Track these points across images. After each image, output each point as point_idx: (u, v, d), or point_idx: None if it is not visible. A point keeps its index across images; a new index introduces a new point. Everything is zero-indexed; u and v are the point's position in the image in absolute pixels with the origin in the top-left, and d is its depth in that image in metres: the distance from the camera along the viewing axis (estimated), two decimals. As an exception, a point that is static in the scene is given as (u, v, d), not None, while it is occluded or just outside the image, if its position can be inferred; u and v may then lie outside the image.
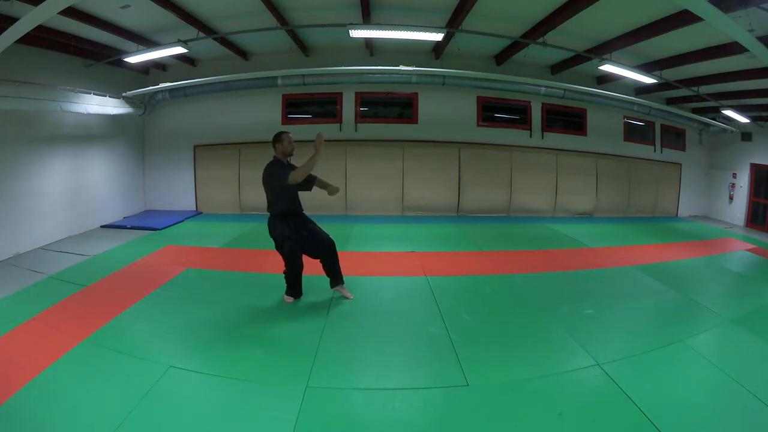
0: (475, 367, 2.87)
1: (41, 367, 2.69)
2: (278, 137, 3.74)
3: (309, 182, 3.83)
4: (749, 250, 6.96)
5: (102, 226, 7.38)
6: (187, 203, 9.02)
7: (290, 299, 3.98)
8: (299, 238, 3.75)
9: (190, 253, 5.74)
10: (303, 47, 7.74)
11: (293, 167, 3.68)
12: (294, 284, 3.97)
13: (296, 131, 9.28)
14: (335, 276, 3.99)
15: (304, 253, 3.88)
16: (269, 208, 3.77)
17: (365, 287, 4.40)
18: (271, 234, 3.80)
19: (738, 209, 9.66)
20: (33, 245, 5.87)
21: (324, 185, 3.99)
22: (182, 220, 7.98)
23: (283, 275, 3.97)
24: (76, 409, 2.32)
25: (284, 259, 3.84)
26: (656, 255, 6.16)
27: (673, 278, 5.01)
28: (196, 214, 8.73)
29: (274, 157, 3.76)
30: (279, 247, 3.82)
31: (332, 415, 2.37)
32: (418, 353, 3.12)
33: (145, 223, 7.59)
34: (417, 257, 5.66)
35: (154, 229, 7.16)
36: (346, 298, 4.02)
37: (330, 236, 3.92)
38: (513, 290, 4.48)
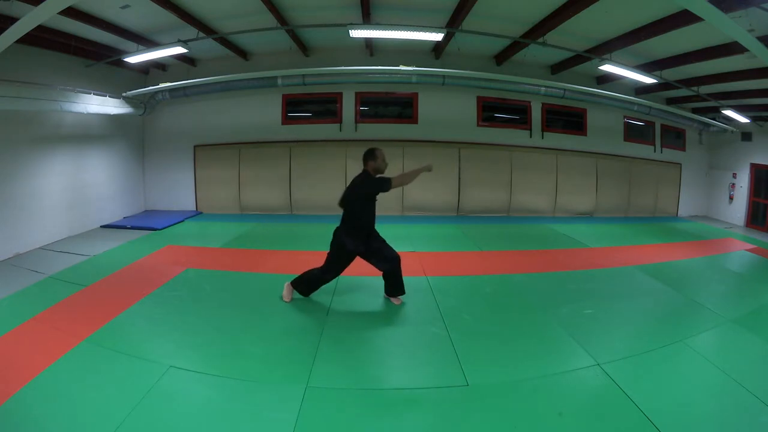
0: (475, 367, 2.88)
1: (41, 367, 2.69)
2: (372, 154, 3.70)
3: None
4: (749, 250, 6.96)
5: (102, 226, 7.38)
6: (187, 203, 9.02)
7: (288, 297, 3.96)
8: (364, 250, 3.79)
9: (190, 253, 5.74)
10: (303, 47, 7.74)
11: (386, 179, 3.67)
12: (313, 286, 3.95)
13: (296, 131, 9.34)
14: (394, 288, 4.01)
15: (369, 262, 3.88)
16: (351, 220, 3.74)
17: (365, 287, 4.40)
18: (339, 241, 3.76)
19: (738, 209, 9.66)
20: (33, 245, 5.87)
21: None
22: (182, 220, 7.98)
23: (306, 272, 3.94)
24: (76, 409, 2.32)
25: (329, 261, 3.81)
26: (656, 255, 6.16)
27: (673, 278, 5.00)
28: (196, 214, 8.73)
29: (365, 171, 3.74)
30: (334, 252, 3.80)
31: (332, 415, 2.37)
32: (418, 353, 3.12)
33: (145, 223, 7.59)
34: (417, 257, 5.66)
35: (154, 229, 7.16)
36: (394, 303, 4.03)
37: (394, 251, 3.94)
38: (513, 290, 4.48)
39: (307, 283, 3.96)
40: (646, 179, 10.01)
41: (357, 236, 3.73)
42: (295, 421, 2.27)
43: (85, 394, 2.46)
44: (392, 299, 4.06)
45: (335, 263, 3.80)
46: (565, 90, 8.20)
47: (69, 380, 2.59)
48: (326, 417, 2.34)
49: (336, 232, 3.81)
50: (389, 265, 3.90)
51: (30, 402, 2.36)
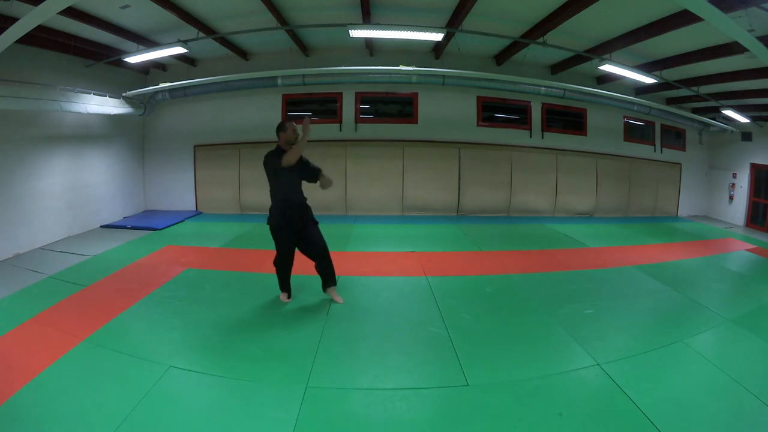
0: (475, 367, 2.88)
1: (41, 367, 2.69)
2: (281, 126, 3.75)
3: (312, 173, 3.82)
4: (749, 250, 6.96)
5: (102, 226, 7.38)
6: (187, 203, 9.02)
7: (285, 298, 3.97)
8: (292, 230, 3.75)
9: (190, 253, 5.74)
10: (303, 47, 7.74)
11: (280, 155, 3.68)
12: (280, 275, 3.93)
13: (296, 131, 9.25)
14: (326, 278, 3.96)
15: (298, 248, 3.86)
16: (271, 196, 3.77)
17: (365, 287, 4.40)
18: (268, 222, 3.78)
19: (738, 209, 9.66)
20: (33, 245, 5.87)
21: (325, 181, 3.90)
22: (182, 220, 7.98)
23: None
24: (76, 409, 2.32)
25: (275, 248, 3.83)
26: (656, 255, 6.16)
27: (673, 278, 5.00)
28: (196, 214, 8.73)
29: (277, 145, 3.74)
30: (272, 236, 3.81)
31: (332, 415, 2.37)
32: (418, 353, 3.12)
33: (145, 223, 7.59)
34: (417, 257, 5.66)
35: (154, 229, 7.16)
36: (336, 301, 3.96)
37: (323, 239, 3.91)
38: (513, 290, 4.48)
39: (278, 276, 3.95)
40: (646, 179, 10.01)
41: (275, 210, 3.73)
42: (295, 421, 2.27)
43: (85, 394, 2.46)
44: (334, 297, 3.98)
45: (274, 241, 3.80)
46: (565, 90, 8.20)
47: (69, 380, 2.59)
48: (326, 417, 2.34)
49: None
50: (314, 251, 3.85)
51: (30, 402, 2.36)
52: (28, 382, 2.53)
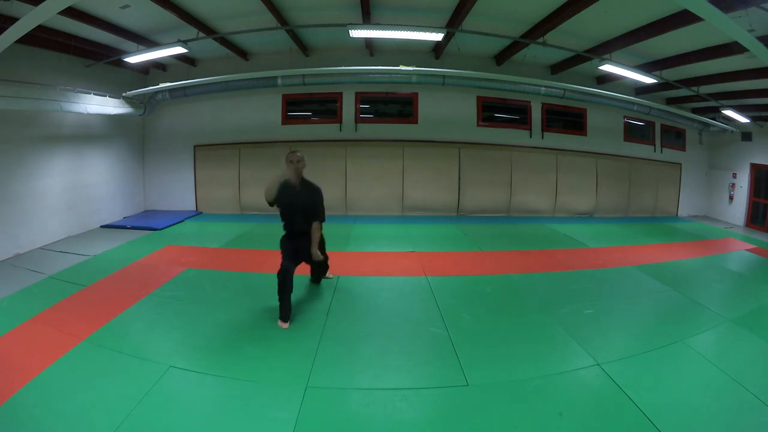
0: (475, 367, 2.88)
1: (41, 367, 2.70)
2: (286, 158, 3.66)
3: (313, 213, 3.76)
4: (749, 250, 6.96)
5: (102, 226, 7.38)
6: (187, 203, 9.02)
7: (285, 326, 3.49)
8: (287, 243, 3.78)
9: (190, 253, 5.74)
10: (303, 47, 7.74)
11: (306, 184, 3.76)
12: (282, 300, 3.53)
13: (296, 131, 9.34)
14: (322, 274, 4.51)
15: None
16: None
17: (365, 287, 4.40)
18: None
19: (738, 209, 9.66)
20: (33, 245, 5.87)
21: (316, 242, 3.78)
22: (182, 220, 7.98)
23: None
24: (76, 409, 2.32)
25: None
26: (656, 255, 6.16)
27: (673, 278, 5.00)
28: (196, 214, 8.73)
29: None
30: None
31: (332, 415, 2.37)
32: (418, 353, 3.12)
33: (145, 223, 7.59)
34: (417, 257, 5.66)
35: (154, 229, 7.16)
36: (329, 277, 4.60)
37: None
38: (513, 290, 4.48)
39: (279, 297, 3.54)
40: (646, 179, 10.01)
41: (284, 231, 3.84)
42: (295, 421, 2.27)
43: (85, 394, 2.46)
44: (327, 276, 4.58)
45: (281, 252, 3.76)
46: (565, 90, 8.20)
47: (69, 380, 2.60)
48: (326, 417, 2.34)
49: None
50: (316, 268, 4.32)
51: (30, 402, 2.36)
52: (28, 382, 2.54)
